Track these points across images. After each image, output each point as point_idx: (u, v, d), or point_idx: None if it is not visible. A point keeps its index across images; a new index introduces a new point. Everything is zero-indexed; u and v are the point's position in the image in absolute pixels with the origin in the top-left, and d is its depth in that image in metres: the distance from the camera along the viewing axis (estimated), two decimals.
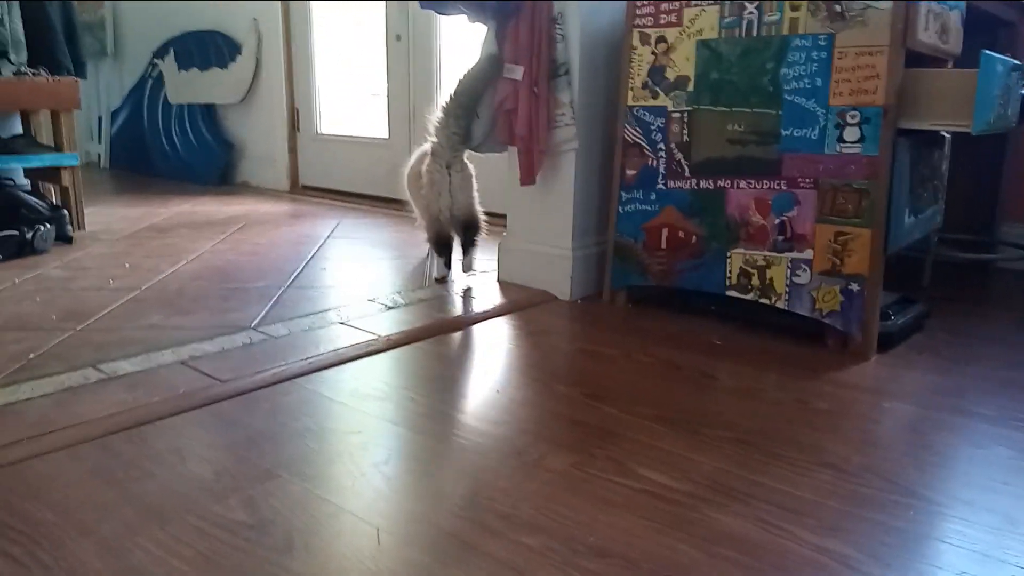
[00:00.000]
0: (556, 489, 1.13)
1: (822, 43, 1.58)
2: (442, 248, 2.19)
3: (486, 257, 2.54)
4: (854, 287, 1.64)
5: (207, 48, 4.27)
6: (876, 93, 1.52)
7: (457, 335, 1.84)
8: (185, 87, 4.39)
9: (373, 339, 1.74)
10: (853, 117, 1.56)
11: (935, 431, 1.35)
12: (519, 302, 2.07)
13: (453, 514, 1.07)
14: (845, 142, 1.58)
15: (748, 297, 1.81)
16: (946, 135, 1.88)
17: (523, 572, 0.94)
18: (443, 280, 2.24)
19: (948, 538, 1.02)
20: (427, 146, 2.16)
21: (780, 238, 1.72)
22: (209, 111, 4.37)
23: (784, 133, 1.66)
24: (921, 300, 1.95)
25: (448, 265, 2.24)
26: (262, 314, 1.92)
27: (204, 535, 1.00)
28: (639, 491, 1.13)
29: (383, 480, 1.16)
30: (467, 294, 2.14)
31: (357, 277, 2.32)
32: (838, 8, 1.55)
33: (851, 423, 1.38)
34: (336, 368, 1.60)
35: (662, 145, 1.86)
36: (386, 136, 3.65)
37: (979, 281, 2.41)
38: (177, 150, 4.44)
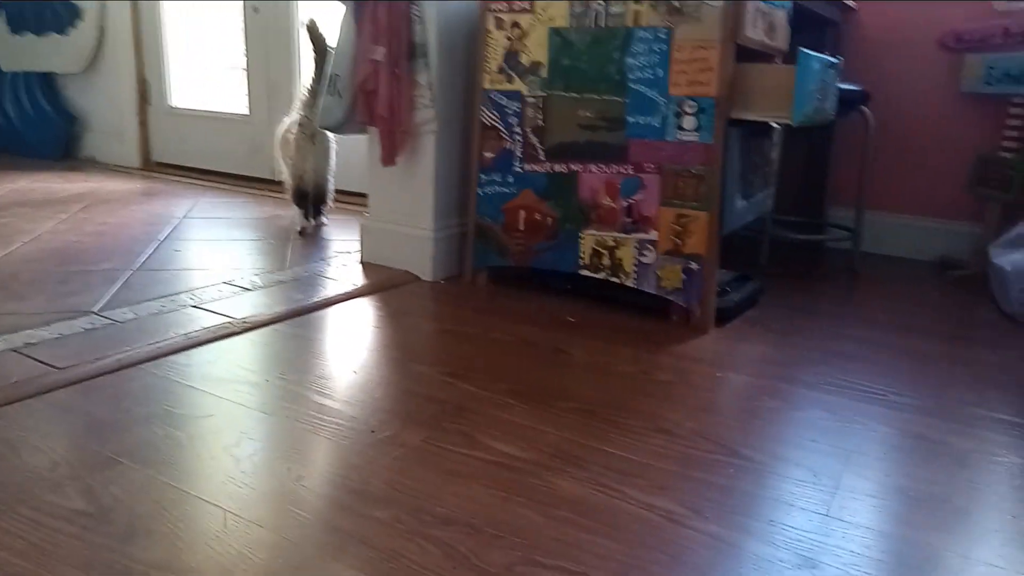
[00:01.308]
0: (407, 463, 1.17)
1: (662, 36, 1.67)
2: (300, 201, 2.59)
3: (349, 238, 2.52)
4: (694, 266, 1.77)
5: (43, 12, 3.95)
6: (710, 85, 1.63)
7: (317, 316, 1.83)
8: (20, 53, 4.05)
9: (228, 322, 1.71)
10: (691, 107, 1.67)
11: (761, 397, 1.49)
12: (381, 283, 2.08)
13: (304, 493, 1.08)
14: (684, 130, 1.69)
15: (600, 276, 1.90)
16: (774, 125, 2.04)
17: (371, 543, 0.97)
18: (303, 232, 2.58)
19: (761, 491, 1.14)
20: (297, 116, 2.49)
21: (628, 220, 1.82)
22: (47, 80, 4.06)
23: (630, 120, 1.75)
24: (757, 278, 2.12)
25: (306, 218, 2.61)
26: (106, 298, 1.83)
27: (38, 526, 0.97)
28: (487, 462, 1.19)
29: (233, 463, 1.15)
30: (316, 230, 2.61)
31: (213, 259, 2.25)
32: (676, 4, 1.65)
33: (687, 392, 1.50)
34: (187, 352, 1.56)
35: (518, 129, 1.92)
36: (247, 112, 3.52)
37: (810, 260, 2.64)
38: (11, 121, 4.11)
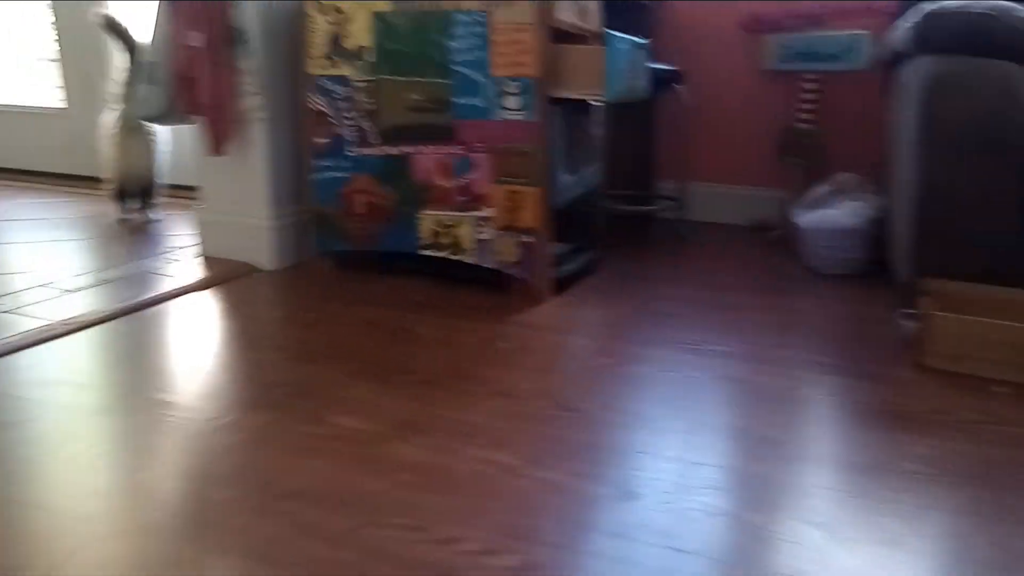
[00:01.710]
0: (251, 446, 1.17)
1: (480, 19, 1.74)
2: (121, 196, 2.53)
3: (186, 232, 2.44)
4: (528, 239, 1.85)
5: None
6: (529, 65, 1.72)
7: (151, 313, 1.77)
8: None
9: (47, 325, 1.62)
10: (513, 87, 1.75)
11: (595, 356, 1.59)
12: (220, 275, 2.03)
13: (142, 484, 1.06)
14: (509, 110, 1.77)
15: (442, 255, 1.95)
16: (593, 103, 2.16)
17: (217, 523, 0.98)
18: (127, 224, 2.54)
19: (593, 439, 1.23)
20: (117, 108, 2.40)
21: (463, 199, 1.88)
22: None
23: (456, 101, 1.81)
24: (592, 249, 2.24)
25: (129, 211, 2.57)
26: None
27: None
28: (332, 437, 1.21)
29: (60, 463, 1.12)
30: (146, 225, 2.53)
31: (32, 262, 2.11)
32: None
33: (526, 357, 1.58)
34: (2, 359, 1.47)
35: (348, 114, 1.93)
36: (64, 106, 3.29)
37: (642, 230, 2.81)
38: None
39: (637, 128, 2.85)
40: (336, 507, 1.02)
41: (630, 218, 2.89)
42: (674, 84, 2.48)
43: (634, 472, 1.13)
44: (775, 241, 2.61)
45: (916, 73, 1.82)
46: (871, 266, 2.22)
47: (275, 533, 0.96)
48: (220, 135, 1.98)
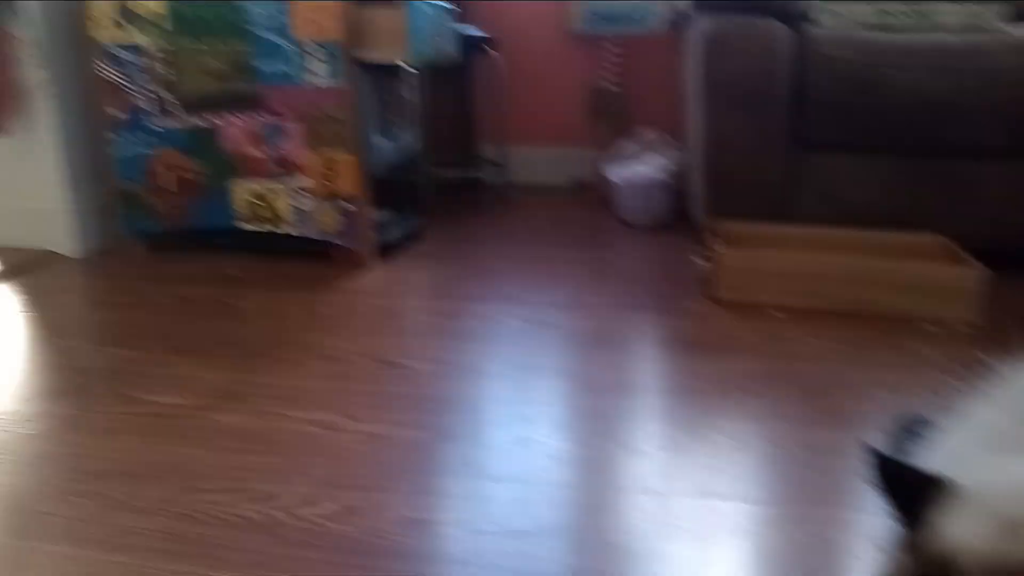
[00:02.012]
0: (56, 432, 1.13)
1: None
2: None
3: None
4: (349, 207, 1.86)
5: None
6: (332, 28, 1.71)
7: None
8: None
9: None
10: (318, 51, 1.73)
11: (420, 315, 1.64)
12: (17, 266, 1.88)
13: None
14: (316, 75, 1.75)
15: (261, 228, 1.91)
16: (405, 67, 2.17)
17: (18, 510, 0.94)
18: None
19: (414, 390, 1.28)
20: None
21: (278, 169, 1.85)
22: None
23: (260, 67, 1.77)
24: (417, 215, 2.27)
25: None
26: None
27: None
28: (145, 415, 1.18)
29: None
30: None
31: None
32: None
33: (350, 321, 1.60)
34: None
35: (146, 84, 1.83)
36: None
37: (468, 196, 2.87)
38: None
39: (454, 93, 2.89)
40: (148, 480, 1.01)
41: (455, 184, 2.94)
42: (485, 48, 2.54)
43: (454, 416, 1.19)
44: (591, 199, 2.75)
45: (697, 33, 1.97)
46: (676, 216, 2.40)
47: (80, 514, 0.94)
48: None
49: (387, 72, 1.95)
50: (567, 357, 1.42)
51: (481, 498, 0.98)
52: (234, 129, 1.84)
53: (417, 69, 2.04)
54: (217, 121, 1.84)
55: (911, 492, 0.50)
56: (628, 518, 0.95)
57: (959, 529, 0.48)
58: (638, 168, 2.42)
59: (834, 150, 1.92)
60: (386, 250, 2.00)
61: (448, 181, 2.87)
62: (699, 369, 1.37)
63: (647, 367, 1.38)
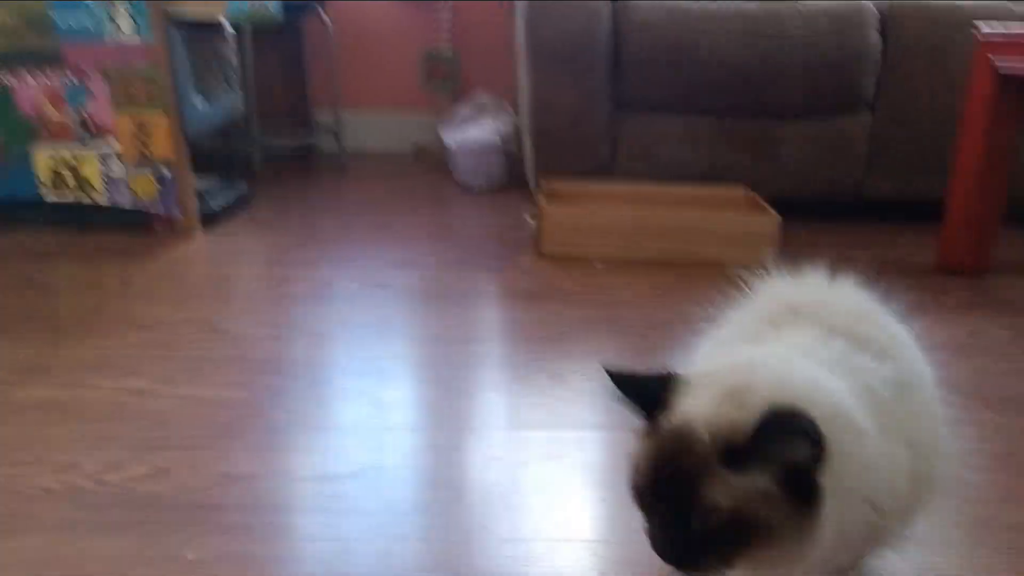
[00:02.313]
0: None
1: None
2: None
3: None
4: (165, 172, 1.77)
5: None
6: None
7: None
8: None
9: None
10: (124, 6, 1.63)
11: (247, 281, 1.60)
12: None
13: None
14: (122, 31, 1.65)
15: (69, 199, 1.79)
16: (224, 26, 2.08)
17: None
18: None
19: (237, 353, 1.25)
20: None
21: (84, 132, 1.73)
22: None
23: (59, 22, 1.64)
24: (248, 182, 2.19)
25: None
26: None
27: None
28: None
29: None
30: None
31: None
32: None
33: (170, 290, 1.53)
34: None
35: None
36: None
37: (303, 162, 2.80)
38: None
39: (284, 57, 2.80)
40: None
41: (288, 151, 2.86)
42: (316, 9, 2.47)
43: (281, 376, 1.18)
44: (431, 164, 2.76)
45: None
46: (511, 178, 2.46)
47: None
48: None
49: (205, 31, 1.86)
50: (401, 313, 1.44)
51: (302, 448, 0.99)
52: (30, 90, 1.70)
53: (237, 28, 1.96)
54: (11, 80, 1.69)
55: (645, 392, 0.57)
56: (448, 456, 0.99)
57: (689, 403, 0.55)
58: (473, 132, 2.45)
59: (651, 111, 2.03)
60: (211, 218, 1.92)
61: (281, 148, 2.78)
62: (524, 317, 1.43)
63: (478, 317, 1.42)
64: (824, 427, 0.51)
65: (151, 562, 0.77)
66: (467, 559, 0.79)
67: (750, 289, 0.71)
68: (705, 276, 1.61)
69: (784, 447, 0.50)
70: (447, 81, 2.79)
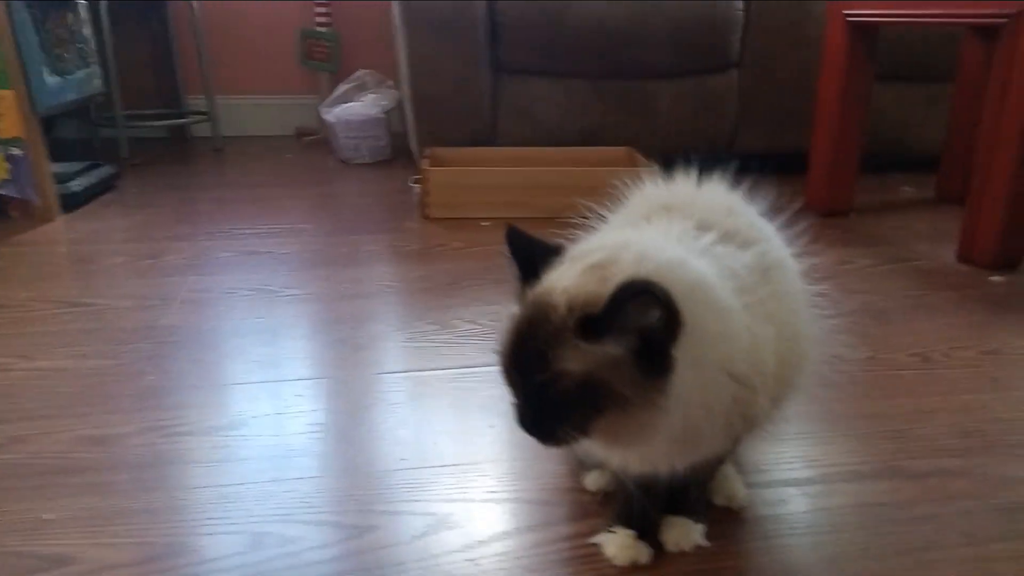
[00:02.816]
0: None
1: None
2: None
3: None
4: (17, 152, 1.64)
5: None
6: None
7: None
8: None
9: None
10: None
11: (111, 257, 1.49)
12: None
13: None
14: None
15: None
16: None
17: None
18: None
19: (99, 325, 1.17)
20: None
21: None
22: None
23: None
24: (113, 165, 2.07)
25: None
26: None
27: None
28: None
29: None
30: None
31: None
32: None
33: (25, 270, 1.42)
34: None
35: None
36: None
37: (175, 146, 2.67)
38: None
39: (152, 36, 2.66)
40: None
41: (161, 135, 2.72)
42: None
43: (149, 342, 1.11)
44: (314, 144, 2.69)
45: None
46: (396, 152, 2.42)
47: None
48: None
49: (55, 2, 1.74)
50: (280, 276, 1.39)
51: (178, 406, 0.93)
52: None
53: (90, 1, 1.85)
54: None
55: (530, 257, 0.59)
56: (332, 401, 0.96)
57: (556, 275, 0.56)
58: (352, 106, 2.40)
59: (530, 74, 2.04)
60: (73, 201, 1.80)
61: (151, 131, 2.65)
62: (410, 274, 1.41)
63: (362, 276, 1.39)
64: (682, 300, 0.52)
65: (2, 528, 0.70)
66: (350, 491, 0.77)
67: (625, 195, 0.72)
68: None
69: (636, 315, 0.51)
70: (327, 62, 2.72)
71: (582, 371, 0.52)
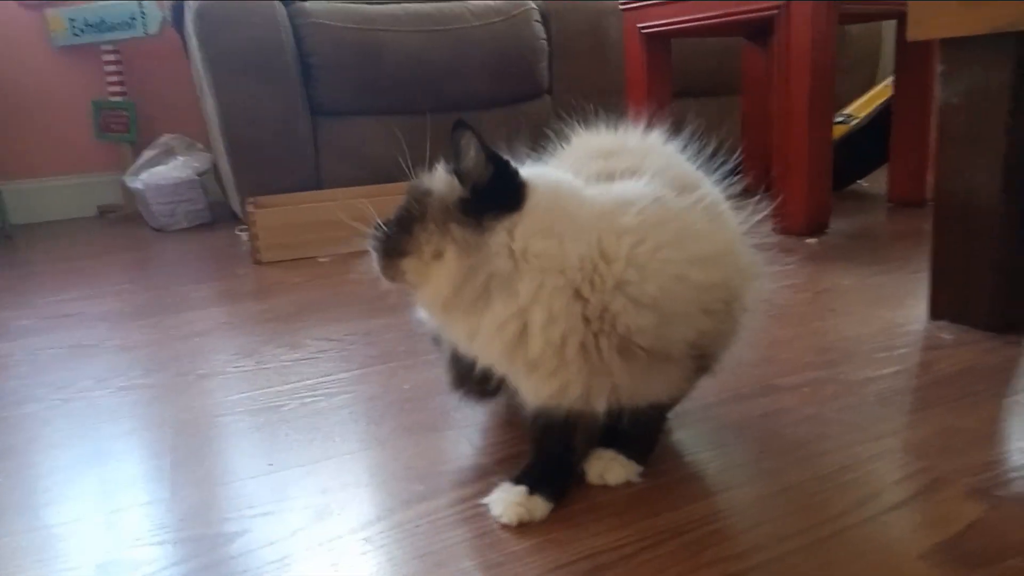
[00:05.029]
0: None
1: None
2: None
3: None
4: None
5: None
6: None
7: None
8: None
9: None
10: None
11: None
12: None
13: None
14: None
15: None
16: None
17: None
18: None
19: None
20: None
21: None
22: None
23: None
24: None
25: None
26: None
27: None
28: None
29: None
30: None
31: None
32: None
33: None
34: None
35: None
36: None
37: None
38: None
39: None
40: None
41: None
42: None
43: None
44: (120, 219, 2.50)
45: (189, 15, 1.91)
46: (215, 213, 2.29)
47: None
48: None
49: None
50: (97, 332, 1.24)
51: None
52: None
53: None
54: None
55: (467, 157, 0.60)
56: (179, 428, 0.84)
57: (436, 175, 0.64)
58: (159, 170, 2.26)
59: (349, 114, 2.02)
60: None
61: None
62: (250, 310, 1.31)
63: (195, 318, 1.27)
64: (534, 185, 0.59)
65: None
66: (211, 502, 0.67)
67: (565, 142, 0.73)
68: None
69: (465, 159, 0.59)
70: (126, 133, 2.55)
71: (420, 192, 0.62)
